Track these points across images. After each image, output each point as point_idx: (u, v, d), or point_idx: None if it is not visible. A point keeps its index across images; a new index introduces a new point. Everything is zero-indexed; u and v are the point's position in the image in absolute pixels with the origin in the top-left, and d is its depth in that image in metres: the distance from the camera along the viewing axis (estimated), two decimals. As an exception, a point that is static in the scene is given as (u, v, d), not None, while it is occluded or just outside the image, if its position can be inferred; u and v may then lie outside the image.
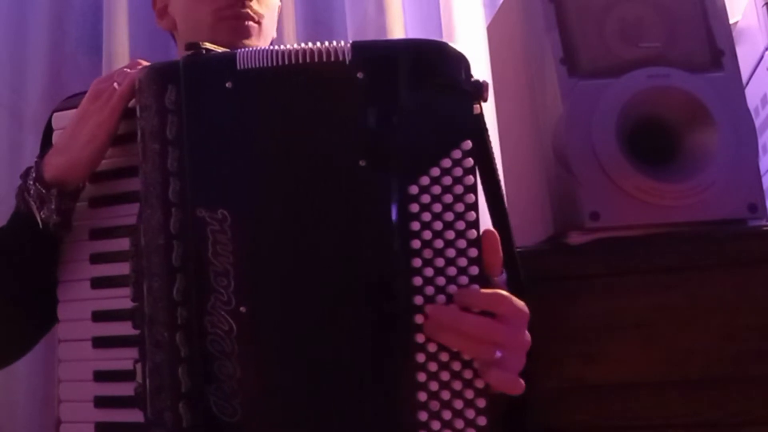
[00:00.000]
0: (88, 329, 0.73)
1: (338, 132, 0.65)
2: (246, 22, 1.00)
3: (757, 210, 0.79)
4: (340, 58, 0.64)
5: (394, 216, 0.62)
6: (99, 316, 0.73)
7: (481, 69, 1.34)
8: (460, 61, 0.66)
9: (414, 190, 0.63)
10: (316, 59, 0.65)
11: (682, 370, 0.78)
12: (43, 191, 0.73)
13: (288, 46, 0.66)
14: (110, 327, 0.72)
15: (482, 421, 0.62)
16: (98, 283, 0.73)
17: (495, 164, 0.73)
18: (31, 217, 0.74)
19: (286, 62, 0.65)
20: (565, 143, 0.81)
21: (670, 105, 0.81)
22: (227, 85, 0.65)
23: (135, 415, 0.66)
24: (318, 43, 0.66)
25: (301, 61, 0.65)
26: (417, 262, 0.62)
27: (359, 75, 0.64)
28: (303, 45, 0.66)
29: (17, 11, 1.52)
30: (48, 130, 0.91)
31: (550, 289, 0.78)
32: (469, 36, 1.39)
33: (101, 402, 0.72)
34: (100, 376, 0.73)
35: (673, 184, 0.79)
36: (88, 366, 0.73)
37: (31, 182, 0.74)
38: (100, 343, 0.73)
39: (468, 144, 0.64)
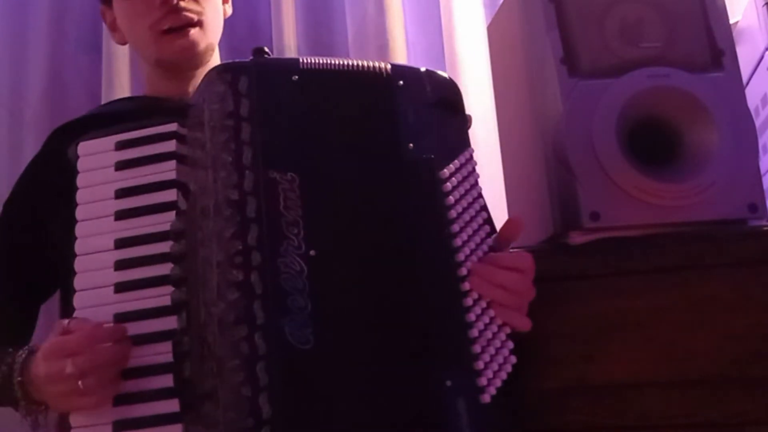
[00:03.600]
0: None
1: (385, 120, 0.77)
2: (186, 30, 0.96)
3: (757, 210, 0.79)
4: (382, 70, 0.79)
5: (434, 191, 0.75)
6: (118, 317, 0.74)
7: (481, 69, 1.35)
8: (461, 94, 0.82)
9: (445, 173, 0.76)
10: (362, 68, 0.79)
11: (682, 370, 0.78)
12: (33, 407, 0.79)
13: (337, 60, 0.80)
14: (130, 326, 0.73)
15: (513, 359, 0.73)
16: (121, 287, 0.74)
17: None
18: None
19: (340, 67, 0.79)
20: (565, 143, 0.81)
21: (670, 105, 0.81)
22: (293, 78, 0.76)
23: (150, 410, 0.69)
24: (362, 61, 0.80)
25: (352, 67, 0.79)
26: (455, 228, 0.74)
27: (400, 83, 0.78)
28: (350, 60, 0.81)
29: (17, 11, 1.52)
30: (49, 145, 0.94)
31: (550, 289, 0.78)
32: (469, 36, 1.39)
33: (118, 400, 0.72)
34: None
35: (673, 184, 0.79)
36: None
37: (18, 381, 0.78)
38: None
39: (472, 150, 0.78)
